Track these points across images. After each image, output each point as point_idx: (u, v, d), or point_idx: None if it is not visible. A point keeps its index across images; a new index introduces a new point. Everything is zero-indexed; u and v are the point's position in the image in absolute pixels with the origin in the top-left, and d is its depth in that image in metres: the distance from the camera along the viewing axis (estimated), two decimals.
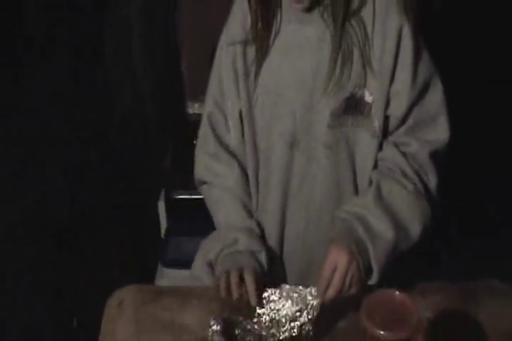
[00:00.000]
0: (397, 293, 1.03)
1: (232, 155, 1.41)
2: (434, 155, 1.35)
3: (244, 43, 1.32)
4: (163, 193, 2.22)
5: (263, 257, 1.34)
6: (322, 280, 1.22)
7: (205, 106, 1.45)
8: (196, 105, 2.42)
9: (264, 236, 1.40)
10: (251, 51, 1.33)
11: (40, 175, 2.03)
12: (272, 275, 1.37)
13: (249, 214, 1.40)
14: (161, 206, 2.21)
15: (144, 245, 2.28)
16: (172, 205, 2.19)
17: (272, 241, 1.41)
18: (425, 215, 1.32)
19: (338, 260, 1.22)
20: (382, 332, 0.97)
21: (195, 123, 2.26)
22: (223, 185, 1.41)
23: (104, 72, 2.57)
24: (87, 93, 2.47)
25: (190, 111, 2.50)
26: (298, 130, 1.32)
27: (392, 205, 1.30)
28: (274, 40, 1.31)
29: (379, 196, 1.30)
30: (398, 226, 1.28)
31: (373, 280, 1.26)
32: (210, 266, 1.36)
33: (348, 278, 1.22)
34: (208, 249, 1.38)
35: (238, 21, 1.34)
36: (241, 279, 1.28)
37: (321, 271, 1.23)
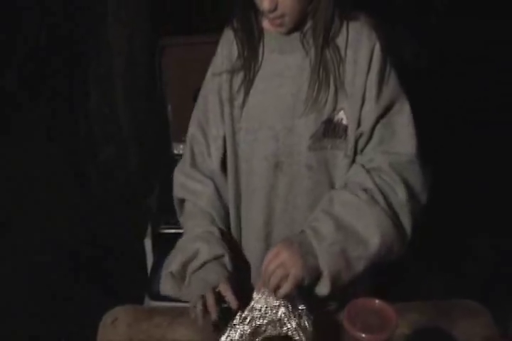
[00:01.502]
0: (377, 301, 1.10)
1: (206, 176, 1.46)
2: (400, 169, 1.35)
3: (231, 72, 1.40)
4: (149, 228, 2.27)
5: (227, 260, 1.37)
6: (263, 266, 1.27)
7: (188, 130, 1.49)
8: (181, 146, 2.45)
9: (226, 237, 1.43)
10: (236, 79, 1.40)
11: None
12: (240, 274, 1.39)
13: (213, 223, 1.43)
14: (148, 241, 2.26)
15: (131, 279, 2.32)
16: (158, 240, 2.24)
17: (257, 259, 1.44)
18: (384, 228, 1.30)
19: (280, 251, 1.26)
20: (363, 335, 1.04)
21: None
22: (196, 202, 1.46)
23: (89, 116, 2.66)
24: (71, 136, 2.56)
25: (175, 151, 2.55)
26: (281, 152, 1.38)
27: (341, 212, 1.31)
28: (259, 68, 1.38)
29: (328, 204, 1.33)
30: (346, 229, 1.29)
31: (325, 284, 1.27)
32: (173, 276, 1.38)
33: (282, 270, 1.24)
34: (170, 260, 1.40)
35: (225, 53, 1.42)
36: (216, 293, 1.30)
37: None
